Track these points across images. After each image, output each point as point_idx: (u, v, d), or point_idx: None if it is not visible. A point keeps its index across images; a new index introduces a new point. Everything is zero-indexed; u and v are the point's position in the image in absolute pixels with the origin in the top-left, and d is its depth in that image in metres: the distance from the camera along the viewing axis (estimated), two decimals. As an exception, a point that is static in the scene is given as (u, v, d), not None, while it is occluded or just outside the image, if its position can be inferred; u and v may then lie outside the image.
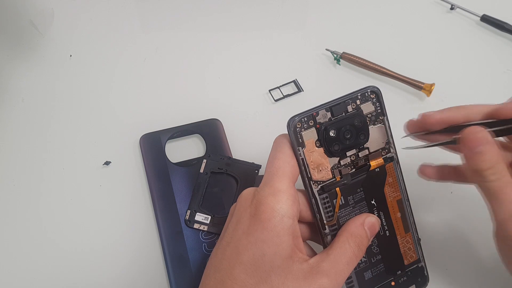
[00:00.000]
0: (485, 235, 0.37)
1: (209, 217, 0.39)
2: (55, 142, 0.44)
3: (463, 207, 0.41)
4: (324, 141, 0.29)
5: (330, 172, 0.30)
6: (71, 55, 0.51)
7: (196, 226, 0.39)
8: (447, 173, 0.35)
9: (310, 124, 0.29)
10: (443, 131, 0.32)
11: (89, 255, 0.38)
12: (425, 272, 0.33)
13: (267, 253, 0.27)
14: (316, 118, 0.29)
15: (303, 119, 0.29)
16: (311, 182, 0.29)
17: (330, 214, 0.30)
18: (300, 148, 0.29)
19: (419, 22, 0.55)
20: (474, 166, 0.29)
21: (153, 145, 0.43)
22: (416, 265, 0.33)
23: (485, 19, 0.53)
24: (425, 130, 0.33)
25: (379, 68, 0.49)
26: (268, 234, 0.27)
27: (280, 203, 0.27)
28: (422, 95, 0.48)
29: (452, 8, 0.55)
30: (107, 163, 0.43)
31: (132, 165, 0.43)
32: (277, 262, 0.27)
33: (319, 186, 0.30)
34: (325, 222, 0.30)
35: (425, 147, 0.33)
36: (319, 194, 0.30)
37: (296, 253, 0.28)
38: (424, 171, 0.35)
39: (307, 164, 0.29)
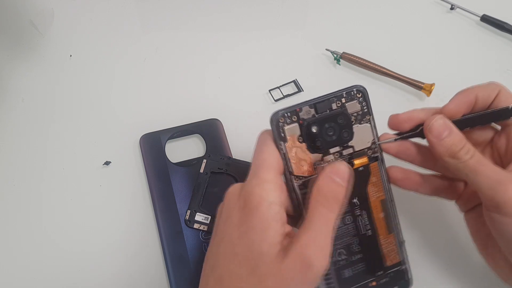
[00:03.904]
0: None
1: (209, 217, 0.39)
2: (55, 142, 0.44)
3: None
4: (306, 137, 0.29)
5: (312, 168, 0.30)
6: (71, 55, 0.51)
7: (196, 226, 0.39)
8: (412, 180, 0.34)
9: (293, 119, 0.29)
10: (413, 131, 0.32)
11: (89, 255, 0.38)
12: (408, 275, 0.33)
13: (256, 240, 0.27)
14: (300, 114, 0.29)
15: (286, 114, 0.29)
16: (292, 176, 0.29)
17: None
18: (282, 142, 0.29)
19: (419, 22, 0.55)
20: (446, 151, 0.30)
21: (153, 145, 0.43)
22: (398, 267, 0.32)
23: (485, 19, 0.53)
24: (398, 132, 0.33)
25: (379, 68, 0.49)
26: (257, 221, 0.27)
27: (267, 190, 0.27)
28: (422, 95, 0.48)
29: (452, 8, 0.55)
30: (107, 163, 0.43)
31: (132, 165, 0.43)
32: (264, 249, 0.26)
33: (300, 181, 0.30)
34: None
35: (395, 140, 0.33)
36: (300, 189, 0.30)
37: (285, 239, 0.27)
38: (392, 175, 0.34)
39: (288, 158, 0.29)
